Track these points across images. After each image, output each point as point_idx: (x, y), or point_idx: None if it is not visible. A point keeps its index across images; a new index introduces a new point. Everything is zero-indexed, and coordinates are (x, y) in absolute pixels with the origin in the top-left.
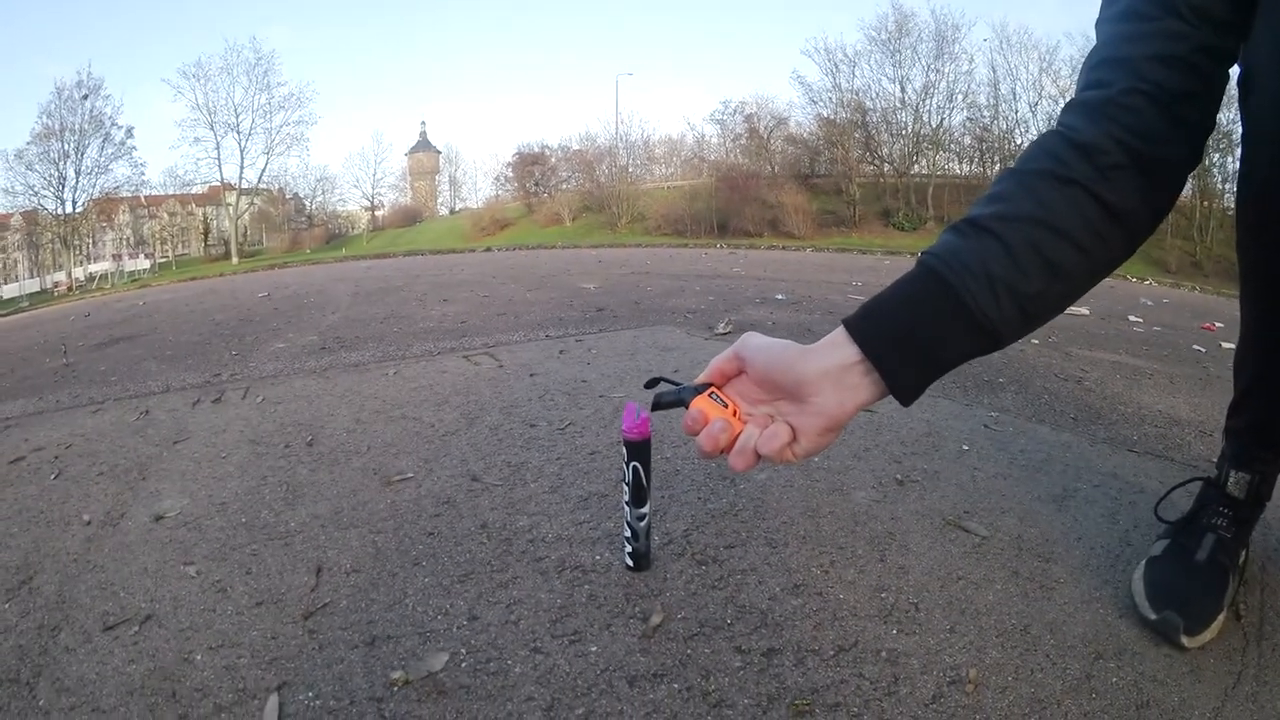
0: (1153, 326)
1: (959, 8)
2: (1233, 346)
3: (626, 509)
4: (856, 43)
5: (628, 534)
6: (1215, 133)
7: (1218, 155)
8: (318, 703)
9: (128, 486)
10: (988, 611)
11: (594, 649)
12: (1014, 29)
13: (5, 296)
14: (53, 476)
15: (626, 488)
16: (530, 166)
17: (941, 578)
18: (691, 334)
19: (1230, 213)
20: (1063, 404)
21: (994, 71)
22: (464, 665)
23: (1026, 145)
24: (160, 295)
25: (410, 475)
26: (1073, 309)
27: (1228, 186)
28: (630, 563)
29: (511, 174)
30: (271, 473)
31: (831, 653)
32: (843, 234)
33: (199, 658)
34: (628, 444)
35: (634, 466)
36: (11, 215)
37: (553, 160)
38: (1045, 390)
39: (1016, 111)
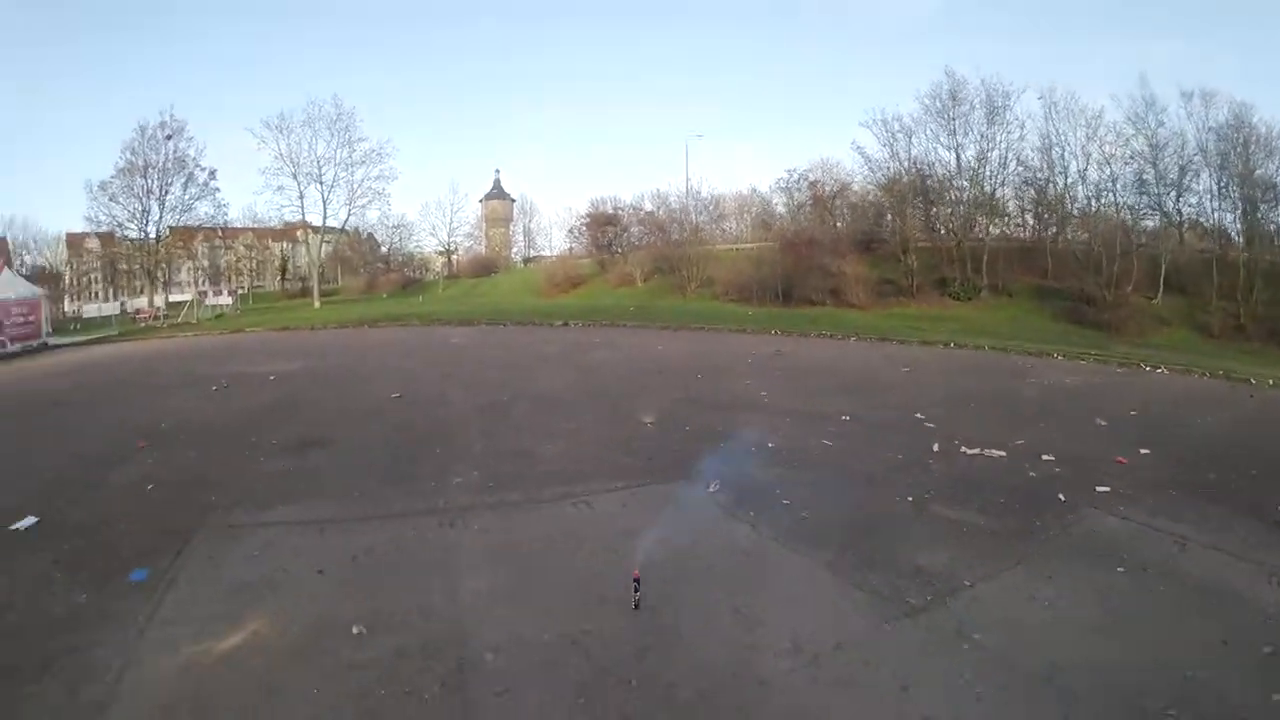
0: (1058, 466)
1: (1009, 75)
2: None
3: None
4: (912, 113)
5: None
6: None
7: (1265, 206)
8: None
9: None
10: None
11: None
12: (1061, 94)
13: (85, 315)
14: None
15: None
16: (604, 227)
17: None
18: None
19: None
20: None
21: (1047, 139)
22: None
23: None
24: (273, 359)
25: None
26: (991, 450)
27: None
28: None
29: (585, 230)
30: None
31: None
32: (901, 304)
33: None
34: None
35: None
36: (87, 235)
37: (625, 220)
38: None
39: (1067, 177)
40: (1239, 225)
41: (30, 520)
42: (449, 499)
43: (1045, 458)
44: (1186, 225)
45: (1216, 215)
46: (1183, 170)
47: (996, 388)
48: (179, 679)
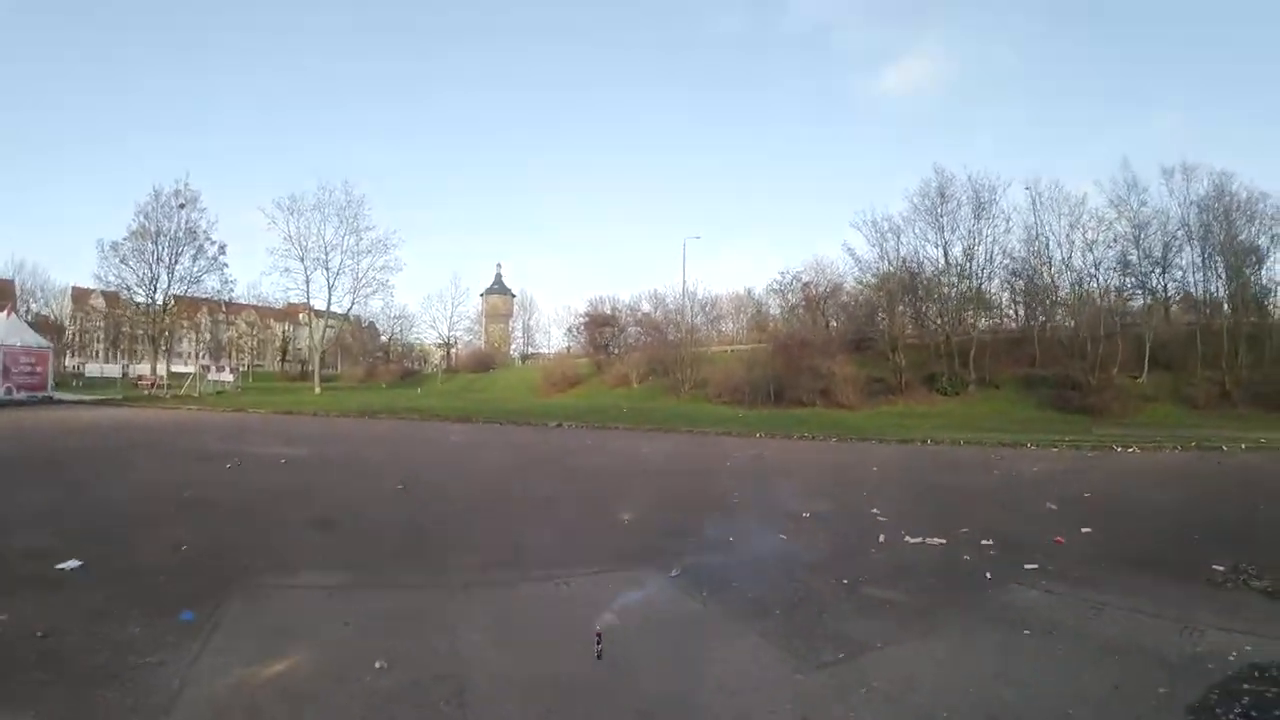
0: (994, 549)
1: (995, 170)
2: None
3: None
4: (902, 211)
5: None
6: (1247, 250)
7: (1248, 271)
8: None
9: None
10: None
11: None
12: (1046, 184)
13: (87, 373)
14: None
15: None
16: (601, 328)
17: None
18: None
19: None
20: None
21: (1032, 230)
22: None
23: None
24: (281, 443)
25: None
26: (933, 538)
27: (1271, 301)
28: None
29: (583, 329)
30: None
31: None
32: (889, 402)
33: None
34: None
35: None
36: (93, 292)
37: (622, 320)
38: None
39: (1052, 266)
40: (1224, 292)
41: (75, 563)
42: (451, 576)
43: (984, 543)
44: (1173, 300)
45: (1201, 286)
46: (1167, 246)
47: (958, 481)
48: (232, 693)
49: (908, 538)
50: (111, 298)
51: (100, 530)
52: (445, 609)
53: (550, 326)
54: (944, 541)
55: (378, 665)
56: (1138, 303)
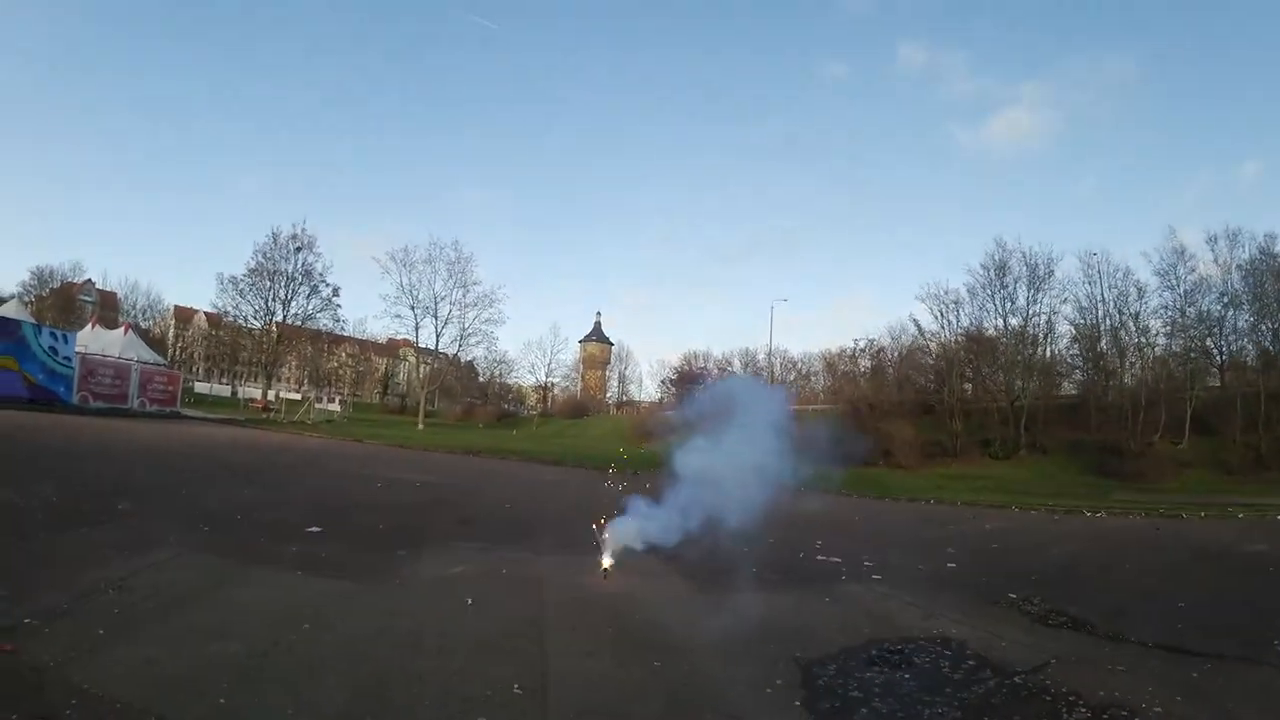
0: (869, 568)
1: (1049, 243)
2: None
3: None
4: (965, 283)
5: None
6: None
7: None
8: None
9: None
10: None
11: None
12: (1099, 256)
13: (197, 390)
14: None
15: None
16: (690, 384)
17: None
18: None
19: None
20: None
21: (1087, 299)
22: None
23: None
24: (410, 470)
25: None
26: (834, 558)
27: None
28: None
29: (674, 384)
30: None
31: None
32: (945, 464)
33: None
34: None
35: None
36: (196, 312)
37: (711, 379)
38: None
39: (1103, 337)
40: (1273, 349)
41: (317, 528)
42: (538, 549)
43: (866, 563)
44: (1225, 364)
45: (1253, 350)
46: (1221, 309)
47: (907, 530)
48: (434, 579)
49: (819, 557)
50: (214, 319)
51: (318, 514)
52: (534, 560)
53: (644, 377)
54: (840, 560)
55: (503, 572)
56: (1184, 368)
